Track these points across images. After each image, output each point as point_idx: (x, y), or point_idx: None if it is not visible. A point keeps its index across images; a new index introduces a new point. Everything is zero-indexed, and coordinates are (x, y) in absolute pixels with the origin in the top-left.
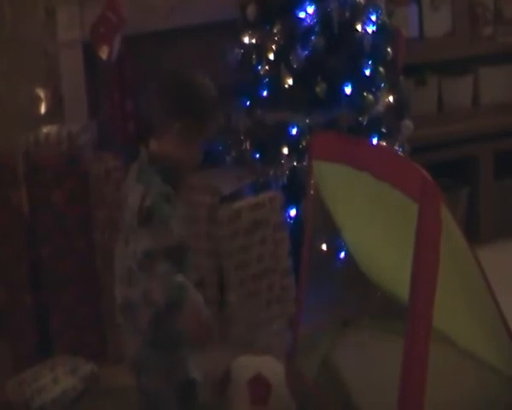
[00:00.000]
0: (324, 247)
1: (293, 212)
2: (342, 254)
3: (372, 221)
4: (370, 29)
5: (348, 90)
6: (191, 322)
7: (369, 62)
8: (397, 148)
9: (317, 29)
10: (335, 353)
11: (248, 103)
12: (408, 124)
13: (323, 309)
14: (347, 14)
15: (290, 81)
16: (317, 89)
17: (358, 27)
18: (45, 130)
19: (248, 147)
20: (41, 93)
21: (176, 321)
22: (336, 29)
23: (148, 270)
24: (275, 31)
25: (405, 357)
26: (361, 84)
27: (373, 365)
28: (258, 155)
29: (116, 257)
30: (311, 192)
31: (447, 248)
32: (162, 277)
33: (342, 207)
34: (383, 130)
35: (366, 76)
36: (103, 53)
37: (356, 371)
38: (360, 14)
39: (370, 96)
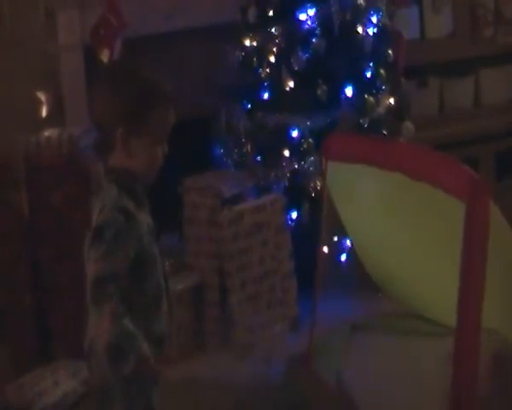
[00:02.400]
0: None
1: (294, 214)
2: (344, 257)
3: (400, 222)
4: (371, 31)
5: (349, 92)
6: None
7: (370, 64)
8: None
9: (317, 31)
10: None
11: (249, 106)
12: (409, 126)
13: (333, 313)
14: (348, 17)
15: (291, 84)
16: (318, 91)
17: (359, 29)
18: (46, 133)
19: (249, 149)
20: (42, 96)
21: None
22: (337, 31)
23: (98, 302)
24: (276, 33)
25: (456, 352)
26: (362, 86)
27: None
28: (259, 158)
29: None
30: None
31: (495, 245)
32: (109, 317)
33: (356, 210)
34: (384, 132)
35: (367, 78)
36: (104, 56)
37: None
38: (361, 17)
39: (371, 99)
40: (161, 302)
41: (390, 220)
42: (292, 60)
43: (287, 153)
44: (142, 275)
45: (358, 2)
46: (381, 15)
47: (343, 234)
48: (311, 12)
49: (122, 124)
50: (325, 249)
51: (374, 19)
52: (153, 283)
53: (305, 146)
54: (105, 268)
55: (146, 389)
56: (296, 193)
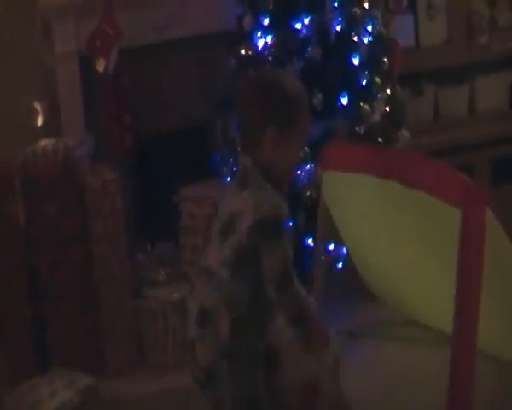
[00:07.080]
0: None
1: (290, 223)
2: (340, 266)
3: (396, 230)
4: (366, 39)
5: (344, 100)
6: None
7: (366, 73)
8: None
9: (313, 40)
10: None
11: None
12: (404, 133)
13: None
14: (343, 25)
15: None
16: (314, 100)
17: (355, 38)
18: (42, 143)
19: None
20: (38, 106)
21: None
22: (332, 40)
23: (288, 285)
24: (271, 42)
25: (452, 361)
26: (357, 94)
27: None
28: None
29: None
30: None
31: (491, 251)
32: (298, 293)
33: (352, 218)
34: (380, 140)
35: (362, 86)
36: (100, 66)
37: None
38: (356, 25)
39: (367, 107)
40: None
41: (386, 229)
42: (287, 69)
43: None
44: None
45: (354, 10)
46: (376, 23)
47: (339, 242)
48: (307, 20)
49: (274, 124)
50: (321, 258)
51: (369, 27)
52: None
53: (300, 155)
54: (288, 257)
55: None
56: (292, 202)
